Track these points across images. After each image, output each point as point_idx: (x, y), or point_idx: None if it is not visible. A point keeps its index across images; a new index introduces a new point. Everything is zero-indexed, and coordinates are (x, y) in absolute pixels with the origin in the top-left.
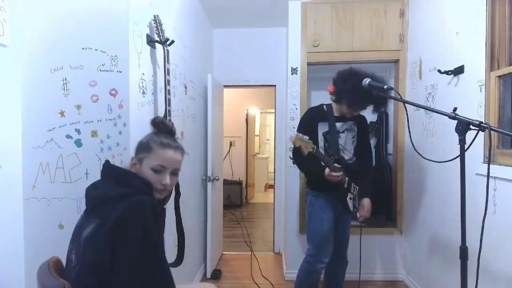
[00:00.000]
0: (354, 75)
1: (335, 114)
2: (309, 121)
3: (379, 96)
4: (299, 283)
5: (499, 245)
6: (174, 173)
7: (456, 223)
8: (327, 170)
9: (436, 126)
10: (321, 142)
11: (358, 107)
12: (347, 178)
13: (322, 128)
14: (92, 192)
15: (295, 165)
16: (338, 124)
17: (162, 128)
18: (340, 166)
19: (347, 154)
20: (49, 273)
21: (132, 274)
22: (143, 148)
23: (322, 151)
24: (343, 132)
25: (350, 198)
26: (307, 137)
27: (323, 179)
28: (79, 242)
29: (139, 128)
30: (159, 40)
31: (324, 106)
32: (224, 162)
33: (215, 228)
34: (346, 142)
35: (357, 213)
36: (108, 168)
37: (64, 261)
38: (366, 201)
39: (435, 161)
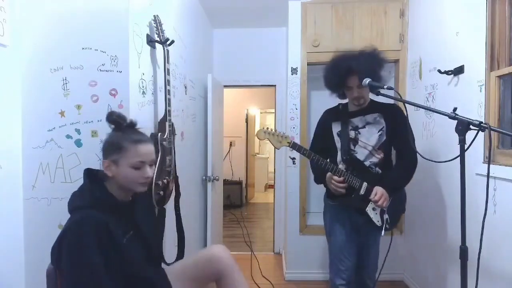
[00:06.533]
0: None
1: (351, 110)
2: (322, 123)
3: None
4: None
5: (499, 245)
6: (151, 164)
7: (456, 223)
8: (328, 174)
9: (436, 126)
10: (338, 144)
11: (339, 85)
12: (365, 184)
13: (336, 127)
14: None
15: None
16: (356, 119)
17: (121, 122)
18: (343, 170)
19: (372, 154)
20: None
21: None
22: (114, 148)
23: (339, 152)
24: (363, 127)
25: (374, 209)
26: (282, 132)
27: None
28: None
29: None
30: (159, 40)
31: (340, 105)
32: (224, 162)
33: (215, 228)
34: (370, 138)
35: (383, 230)
36: (84, 177)
37: None
38: (379, 188)
39: (435, 161)
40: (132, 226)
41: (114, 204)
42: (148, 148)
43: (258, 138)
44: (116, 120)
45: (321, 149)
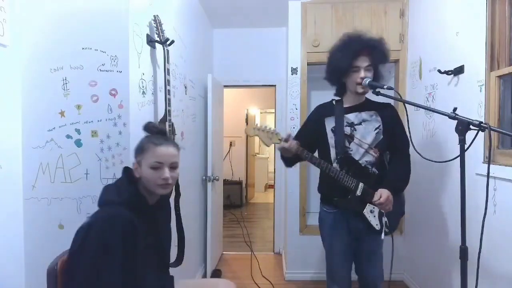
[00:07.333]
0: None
1: (346, 105)
2: (314, 118)
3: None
4: None
5: (499, 245)
6: (173, 167)
7: (456, 223)
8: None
9: (436, 126)
10: (331, 140)
11: (347, 64)
12: (361, 184)
13: (330, 123)
14: (101, 193)
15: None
16: (352, 116)
17: (153, 130)
18: (338, 169)
19: (368, 152)
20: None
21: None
22: (139, 150)
23: (333, 149)
24: (359, 124)
25: (371, 211)
26: (273, 128)
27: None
28: None
29: (139, 128)
30: (159, 40)
31: (333, 101)
32: (224, 162)
33: (215, 228)
34: (366, 135)
35: (383, 233)
36: (122, 174)
37: None
38: (384, 190)
39: (435, 161)
40: (152, 231)
41: (143, 206)
42: (167, 151)
43: (248, 135)
44: (151, 128)
45: (307, 144)
